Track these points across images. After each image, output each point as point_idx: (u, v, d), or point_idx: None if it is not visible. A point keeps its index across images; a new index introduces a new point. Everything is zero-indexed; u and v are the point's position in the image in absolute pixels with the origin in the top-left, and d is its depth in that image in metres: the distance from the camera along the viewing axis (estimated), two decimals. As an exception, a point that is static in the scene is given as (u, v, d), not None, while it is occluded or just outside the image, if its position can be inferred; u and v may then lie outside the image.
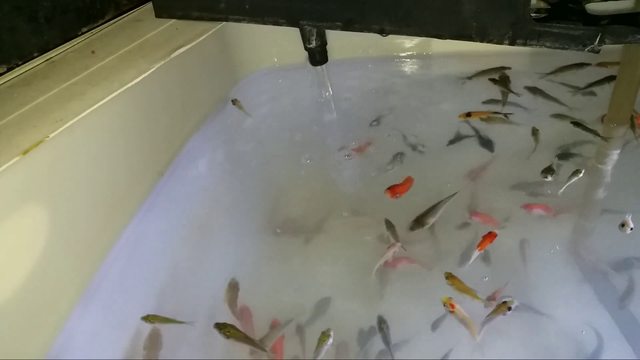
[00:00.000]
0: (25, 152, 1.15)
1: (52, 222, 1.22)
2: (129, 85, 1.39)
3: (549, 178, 1.45)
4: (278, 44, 1.94)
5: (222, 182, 1.73)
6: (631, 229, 1.23)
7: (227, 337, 1.18)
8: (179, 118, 1.69)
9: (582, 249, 1.41)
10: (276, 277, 1.40)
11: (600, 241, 1.44)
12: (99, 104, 1.31)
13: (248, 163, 1.78)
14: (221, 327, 1.19)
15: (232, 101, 1.84)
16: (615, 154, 1.59)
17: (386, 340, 1.19)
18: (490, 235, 1.32)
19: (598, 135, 1.60)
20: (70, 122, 1.25)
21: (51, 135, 1.20)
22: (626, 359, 1.15)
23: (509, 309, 1.15)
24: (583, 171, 1.43)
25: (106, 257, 1.39)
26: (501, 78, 1.89)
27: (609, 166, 1.57)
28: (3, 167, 1.11)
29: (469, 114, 1.73)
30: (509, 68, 1.90)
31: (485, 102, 1.82)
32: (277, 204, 1.61)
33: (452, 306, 1.16)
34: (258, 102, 1.94)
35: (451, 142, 1.70)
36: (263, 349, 1.20)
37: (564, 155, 1.59)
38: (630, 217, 1.23)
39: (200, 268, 1.44)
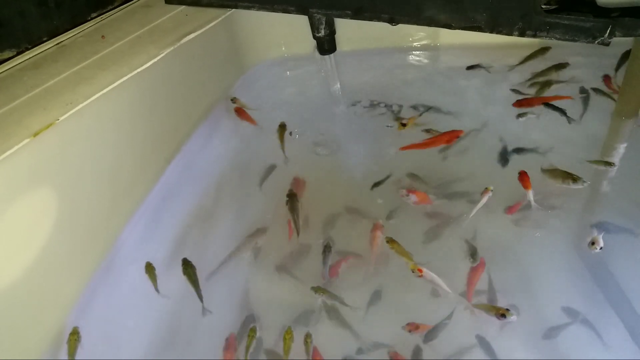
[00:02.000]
0: (35, 134, 1.16)
1: (60, 204, 1.23)
2: (139, 70, 1.40)
3: (583, 185, 1.38)
4: (286, 32, 1.94)
5: (228, 170, 1.73)
6: (600, 248, 1.23)
7: (183, 273, 1.30)
8: (187, 105, 1.69)
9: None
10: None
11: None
12: (108, 88, 1.32)
13: (255, 151, 1.78)
14: (184, 262, 1.32)
15: (231, 100, 1.81)
16: (622, 147, 1.59)
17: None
18: (523, 174, 1.39)
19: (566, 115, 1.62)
20: (80, 106, 1.26)
21: (61, 118, 1.22)
22: (627, 358, 1.16)
23: (503, 315, 1.16)
24: (616, 167, 1.45)
25: (112, 245, 1.41)
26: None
27: (615, 159, 1.56)
28: (14, 149, 1.12)
29: (404, 124, 1.67)
30: (549, 48, 1.86)
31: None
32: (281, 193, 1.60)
33: (420, 271, 1.22)
34: (265, 91, 1.94)
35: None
36: (201, 299, 1.26)
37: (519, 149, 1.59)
38: (601, 235, 1.23)
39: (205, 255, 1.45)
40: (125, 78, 1.36)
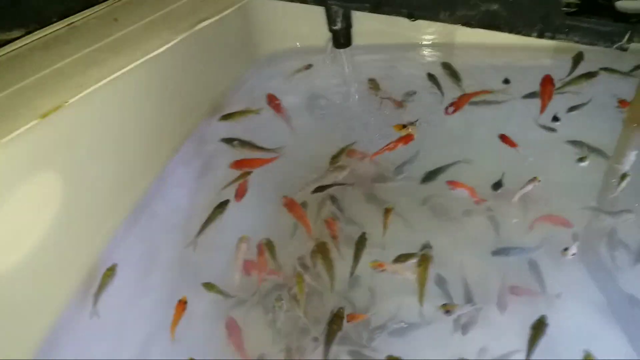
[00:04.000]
0: (44, 116, 1.14)
1: (66, 187, 1.22)
2: (152, 54, 1.38)
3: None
4: (301, 24, 1.90)
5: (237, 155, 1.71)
6: (573, 254, 1.28)
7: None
8: (198, 93, 1.68)
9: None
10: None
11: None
12: (120, 72, 1.30)
13: (262, 143, 1.76)
14: (221, 203, 1.44)
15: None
16: (633, 155, 1.59)
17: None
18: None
19: None
20: (91, 89, 1.24)
21: (70, 101, 1.20)
22: (626, 358, 1.17)
23: (447, 312, 1.22)
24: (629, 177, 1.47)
25: (117, 229, 1.40)
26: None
27: (626, 166, 1.56)
28: (22, 129, 1.11)
29: (404, 126, 1.61)
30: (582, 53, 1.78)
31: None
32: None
33: (382, 266, 1.28)
34: (276, 81, 1.92)
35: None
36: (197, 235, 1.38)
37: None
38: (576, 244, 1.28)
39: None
40: (138, 62, 1.34)
